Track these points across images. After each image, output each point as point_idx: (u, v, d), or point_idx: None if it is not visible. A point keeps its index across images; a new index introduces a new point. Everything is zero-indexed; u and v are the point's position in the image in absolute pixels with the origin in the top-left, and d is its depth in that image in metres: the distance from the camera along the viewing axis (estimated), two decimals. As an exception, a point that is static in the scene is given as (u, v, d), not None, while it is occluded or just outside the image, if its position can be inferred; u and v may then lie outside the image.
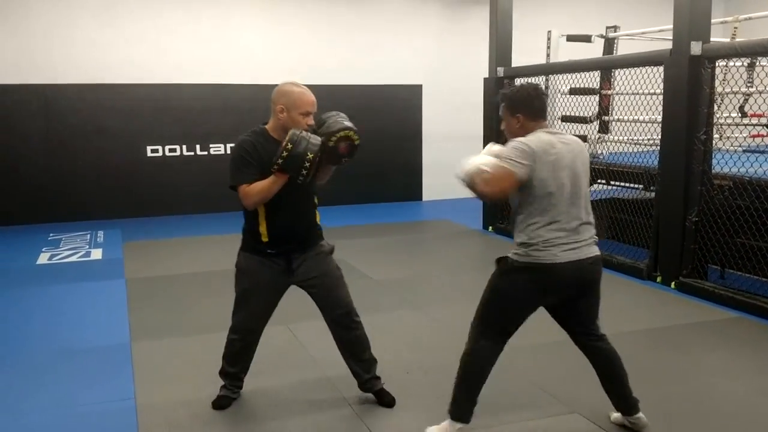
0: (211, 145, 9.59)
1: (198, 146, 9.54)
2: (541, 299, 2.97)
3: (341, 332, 3.38)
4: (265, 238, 3.19)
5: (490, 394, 3.13)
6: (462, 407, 3.03)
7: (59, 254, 7.19)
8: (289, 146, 2.91)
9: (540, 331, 3.63)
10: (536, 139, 2.85)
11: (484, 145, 3.13)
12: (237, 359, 3.44)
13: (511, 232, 2.96)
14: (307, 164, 2.94)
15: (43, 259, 6.99)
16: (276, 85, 3.19)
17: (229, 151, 9.62)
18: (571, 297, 2.98)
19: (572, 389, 3.57)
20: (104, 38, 9.05)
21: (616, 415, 3.23)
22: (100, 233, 8.27)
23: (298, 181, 2.99)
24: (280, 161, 2.94)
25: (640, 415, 3.14)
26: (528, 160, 2.78)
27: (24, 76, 8.74)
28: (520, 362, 3.86)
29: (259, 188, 3.05)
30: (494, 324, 2.96)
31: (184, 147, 9.49)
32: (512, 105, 2.94)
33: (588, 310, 3.05)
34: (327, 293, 3.31)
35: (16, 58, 8.73)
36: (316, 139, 2.98)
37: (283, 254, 3.22)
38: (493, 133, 7.52)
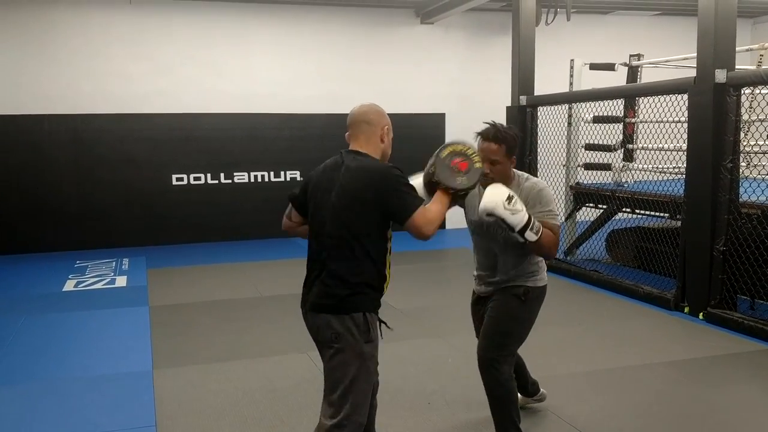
0: (235, 174, 9.70)
1: (222, 175, 9.65)
2: None
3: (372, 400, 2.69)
4: (388, 282, 2.55)
5: None
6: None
7: (85, 281, 7.27)
8: (478, 162, 2.63)
9: (568, 362, 3.56)
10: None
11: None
12: None
13: (500, 265, 3.09)
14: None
15: (69, 286, 7.08)
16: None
17: (253, 180, 9.73)
18: None
19: (603, 424, 3.50)
20: (132, 70, 9.27)
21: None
22: (125, 260, 8.35)
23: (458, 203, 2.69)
24: (462, 179, 2.59)
25: (543, 390, 3.60)
26: None
27: (54, 107, 8.97)
28: (548, 396, 3.77)
29: (440, 209, 2.52)
30: (515, 348, 3.12)
31: (209, 175, 9.61)
32: (511, 148, 2.99)
33: None
34: None
35: (46, 89, 8.97)
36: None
37: None
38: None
